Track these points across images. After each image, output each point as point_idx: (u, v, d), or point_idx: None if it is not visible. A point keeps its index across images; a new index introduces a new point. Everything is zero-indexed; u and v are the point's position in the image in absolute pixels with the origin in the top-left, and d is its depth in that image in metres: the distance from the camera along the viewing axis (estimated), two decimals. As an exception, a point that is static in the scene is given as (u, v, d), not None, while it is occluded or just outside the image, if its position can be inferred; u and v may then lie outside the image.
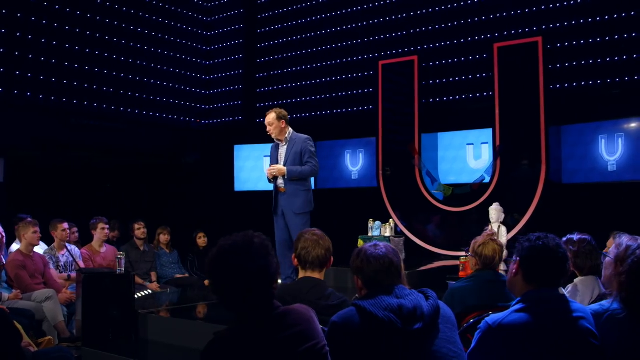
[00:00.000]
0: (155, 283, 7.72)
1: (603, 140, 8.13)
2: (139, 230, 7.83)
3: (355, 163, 10.45)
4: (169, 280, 7.96)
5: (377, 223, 7.43)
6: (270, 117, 6.37)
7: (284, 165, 6.29)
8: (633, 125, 7.91)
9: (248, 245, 2.22)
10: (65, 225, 6.92)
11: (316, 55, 11.07)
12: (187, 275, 8.23)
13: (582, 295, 3.84)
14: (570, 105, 8.42)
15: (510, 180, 8.38)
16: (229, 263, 2.19)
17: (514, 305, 2.60)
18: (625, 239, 2.84)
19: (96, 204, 9.43)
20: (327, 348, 2.28)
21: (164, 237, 8.27)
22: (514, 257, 2.71)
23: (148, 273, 7.80)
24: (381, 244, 2.70)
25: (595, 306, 2.72)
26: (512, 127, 8.35)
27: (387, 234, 7.37)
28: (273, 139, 6.46)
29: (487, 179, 8.57)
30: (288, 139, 6.38)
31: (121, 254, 5.67)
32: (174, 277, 8.04)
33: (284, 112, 6.45)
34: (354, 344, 2.42)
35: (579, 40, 8.47)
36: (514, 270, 2.66)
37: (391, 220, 7.68)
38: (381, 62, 9.63)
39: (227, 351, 2.18)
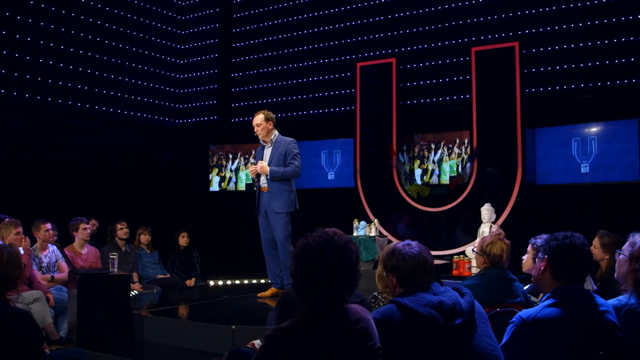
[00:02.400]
0: (138, 284, 7.64)
1: (576, 143, 8.40)
2: (122, 230, 7.74)
3: (331, 163, 10.53)
4: (151, 281, 7.89)
5: (362, 223, 7.53)
6: (259, 118, 6.45)
7: (269, 164, 6.37)
8: (605, 128, 8.19)
9: (329, 241, 2.30)
10: (49, 225, 6.79)
11: (292, 55, 11.11)
12: (168, 275, 8.17)
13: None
14: (545, 108, 8.66)
15: (487, 181, 8.58)
16: (310, 255, 2.28)
17: (544, 300, 2.73)
18: (638, 238, 2.99)
19: (70, 204, 9.26)
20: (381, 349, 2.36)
21: (144, 237, 8.19)
22: (540, 256, 2.84)
23: (130, 274, 7.71)
24: (413, 242, 2.78)
25: (613, 301, 2.88)
26: (489, 129, 8.55)
27: (372, 234, 7.48)
28: (258, 140, 6.56)
29: (465, 180, 8.76)
30: (273, 140, 6.50)
31: (114, 254, 5.62)
32: (156, 278, 7.98)
33: (271, 114, 6.57)
34: (397, 341, 2.49)
35: (554, 46, 8.73)
36: (542, 268, 2.79)
37: (376, 220, 7.78)
38: (359, 64, 9.74)
39: (293, 343, 2.23)
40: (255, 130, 6.50)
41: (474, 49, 8.77)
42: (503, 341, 2.68)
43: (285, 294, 3.36)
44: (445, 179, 9.40)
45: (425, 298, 2.55)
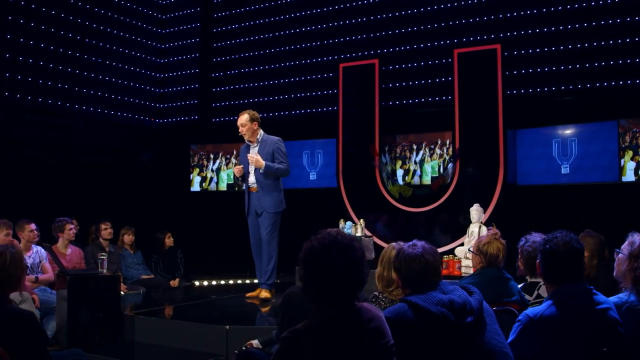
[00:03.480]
0: (122, 284, 7.56)
1: (557, 144, 8.55)
2: (106, 230, 7.65)
3: (313, 164, 10.54)
4: (135, 282, 7.83)
5: (349, 223, 7.57)
6: (243, 118, 6.46)
7: (255, 167, 6.35)
8: (585, 129, 8.35)
9: (333, 241, 2.32)
10: (33, 225, 6.67)
11: (274, 55, 11.09)
12: (152, 276, 8.11)
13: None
14: (526, 110, 8.78)
15: (469, 181, 8.68)
16: (316, 257, 2.31)
17: (547, 299, 2.80)
18: (637, 237, 3.09)
19: (49, 204, 9.16)
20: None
21: (128, 238, 8.12)
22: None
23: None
24: (419, 243, 2.82)
25: (613, 299, 2.96)
26: (471, 130, 8.64)
27: (358, 234, 7.52)
28: (241, 140, 6.58)
29: (448, 180, 8.85)
30: (259, 140, 6.50)
31: (103, 255, 5.58)
32: (140, 278, 7.91)
33: (256, 114, 6.59)
34: (408, 339, 2.53)
35: (535, 49, 8.88)
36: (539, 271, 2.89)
37: (361, 220, 7.82)
38: (342, 65, 9.75)
39: (310, 344, 2.25)
40: (240, 130, 6.50)
41: (456, 51, 8.83)
42: (510, 338, 2.74)
43: (288, 293, 3.38)
44: (427, 180, 9.47)
45: (436, 297, 2.60)
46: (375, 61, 9.48)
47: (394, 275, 3.43)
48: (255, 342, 4.05)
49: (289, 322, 3.28)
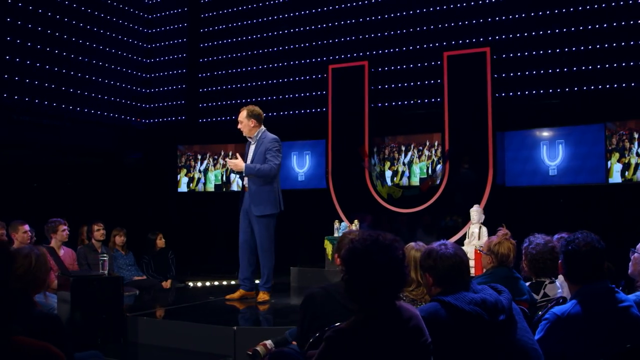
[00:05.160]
0: (116, 286, 7.51)
1: (544, 146, 8.70)
2: (98, 231, 7.56)
3: (301, 165, 10.57)
4: (127, 283, 7.75)
5: (343, 224, 7.62)
6: (242, 115, 6.40)
7: (251, 162, 6.27)
8: (572, 132, 8.51)
9: (375, 242, 2.36)
10: (27, 227, 6.59)
11: (263, 56, 11.09)
12: (144, 277, 8.06)
13: (567, 289, 4.20)
14: (514, 112, 8.92)
15: (459, 183, 8.78)
16: (359, 258, 2.34)
17: (572, 299, 2.88)
18: (652, 237, 3.19)
19: (36, 204, 9.04)
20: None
21: (119, 239, 8.04)
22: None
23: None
24: (448, 243, 2.88)
25: (632, 297, 3.05)
26: (461, 132, 8.75)
27: (353, 235, 7.55)
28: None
29: (438, 181, 8.94)
30: (257, 138, 6.40)
31: (104, 256, 5.53)
32: (132, 280, 7.85)
33: (256, 111, 6.41)
34: (442, 337, 2.57)
35: (524, 52, 9.02)
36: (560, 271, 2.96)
37: (356, 221, 7.87)
38: (331, 66, 9.78)
39: (354, 343, 2.28)
40: (238, 126, 6.45)
41: (446, 54, 8.93)
42: (538, 336, 2.81)
43: (310, 294, 3.39)
44: (415, 181, 9.56)
45: (468, 296, 2.65)
46: (365, 63, 9.55)
47: (413, 274, 3.48)
48: (268, 343, 4.06)
49: (310, 322, 3.31)
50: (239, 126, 6.41)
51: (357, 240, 2.40)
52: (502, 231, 4.03)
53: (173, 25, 11.85)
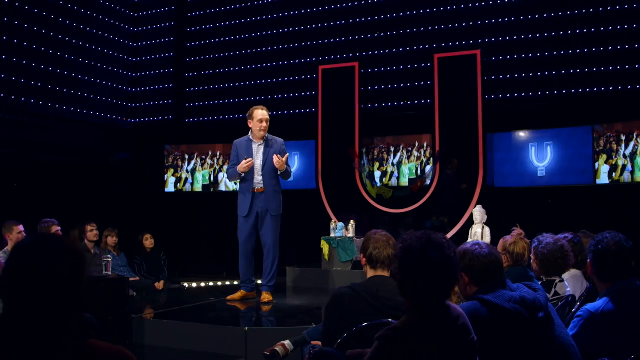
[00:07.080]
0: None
1: (533, 148, 8.85)
2: (92, 232, 7.50)
3: (290, 165, 10.53)
4: (121, 284, 7.69)
5: (340, 224, 7.64)
6: (267, 114, 6.48)
7: (265, 163, 6.34)
8: (561, 134, 8.67)
9: (429, 240, 2.39)
10: (21, 227, 6.50)
11: (251, 56, 11.05)
12: (137, 278, 7.99)
13: (573, 287, 4.30)
14: (504, 114, 9.05)
15: (449, 183, 8.87)
16: (414, 255, 2.37)
17: (603, 296, 2.95)
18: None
19: (21, 204, 8.88)
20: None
21: (111, 240, 7.97)
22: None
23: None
24: (482, 242, 2.93)
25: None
26: (451, 133, 8.84)
27: (350, 235, 7.60)
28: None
29: (428, 182, 9.03)
30: (266, 139, 6.48)
31: (108, 257, 5.48)
32: (126, 281, 7.77)
33: None
34: (483, 334, 2.62)
35: (514, 55, 9.16)
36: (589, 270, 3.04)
37: (352, 221, 7.90)
38: (321, 67, 9.81)
39: (407, 341, 2.31)
40: (262, 125, 6.45)
41: (436, 56, 9.02)
42: (572, 332, 2.88)
43: (338, 294, 3.40)
44: (404, 181, 9.62)
45: (507, 294, 2.70)
46: (356, 64, 9.59)
47: None
48: (287, 343, 4.06)
49: (338, 322, 3.32)
50: (265, 126, 6.44)
51: (411, 239, 2.43)
52: (517, 231, 4.09)
53: (160, 24, 11.75)
